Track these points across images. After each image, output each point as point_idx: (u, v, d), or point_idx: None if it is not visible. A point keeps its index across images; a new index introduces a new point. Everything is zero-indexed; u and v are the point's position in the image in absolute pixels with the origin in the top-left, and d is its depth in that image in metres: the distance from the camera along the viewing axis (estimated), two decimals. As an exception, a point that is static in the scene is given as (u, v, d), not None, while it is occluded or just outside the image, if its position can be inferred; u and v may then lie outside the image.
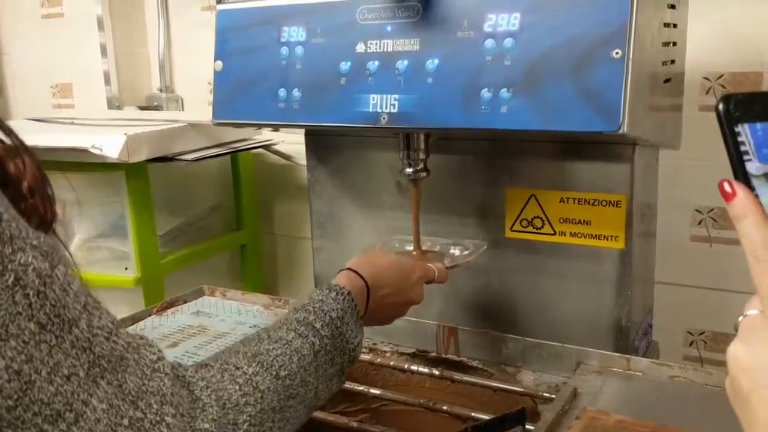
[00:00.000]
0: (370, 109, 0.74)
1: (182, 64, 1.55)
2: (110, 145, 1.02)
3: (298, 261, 1.49)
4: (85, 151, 1.04)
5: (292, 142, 1.35)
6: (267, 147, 1.32)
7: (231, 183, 1.40)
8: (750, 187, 0.36)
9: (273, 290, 1.50)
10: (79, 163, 1.11)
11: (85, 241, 1.25)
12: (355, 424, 0.70)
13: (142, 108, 1.53)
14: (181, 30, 1.53)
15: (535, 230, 0.85)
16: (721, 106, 0.36)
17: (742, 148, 0.36)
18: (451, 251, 0.84)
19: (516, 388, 0.77)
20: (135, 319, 0.97)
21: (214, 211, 1.39)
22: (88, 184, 1.20)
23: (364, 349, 0.91)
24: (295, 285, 1.49)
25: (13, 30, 1.73)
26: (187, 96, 1.55)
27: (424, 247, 0.84)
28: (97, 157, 1.05)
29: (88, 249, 1.24)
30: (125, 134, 1.03)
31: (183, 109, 1.54)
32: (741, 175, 0.36)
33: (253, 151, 1.35)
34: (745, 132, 0.36)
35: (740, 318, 0.37)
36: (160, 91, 1.53)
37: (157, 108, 1.51)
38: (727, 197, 0.36)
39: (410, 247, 0.85)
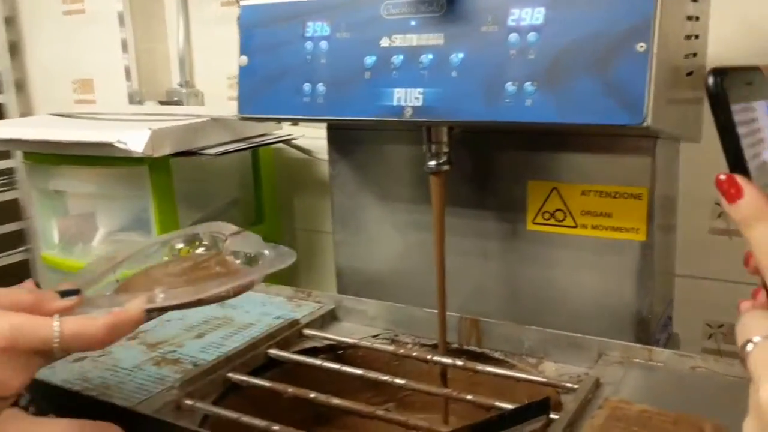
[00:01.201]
0: (395, 103, 0.75)
1: (202, 59, 1.56)
2: (135, 140, 1.04)
3: (318, 254, 1.50)
4: (109, 145, 1.06)
5: (311, 137, 1.36)
6: (287, 141, 1.33)
7: (251, 177, 1.41)
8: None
9: (293, 282, 1.51)
10: (103, 157, 1.13)
11: (109, 234, 1.27)
12: (381, 413, 0.71)
13: (162, 103, 1.55)
14: (200, 25, 1.54)
15: (556, 223, 0.86)
16: (712, 81, 0.30)
17: (748, 131, 0.29)
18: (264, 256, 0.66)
19: (538, 378, 0.78)
20: (160, 310, 0.98)
21: (235, 205, 1.41)
22: (111, 178, 1.21)
23: (385, 340, 0.93)
24: (315, 277, 1.50)
25: (34, 26, 1.75)
26: (207, 91, 1.56)
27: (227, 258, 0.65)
28: (121, 151, 1.07)
29: (112, 242, 1.26)
30: (150, 129, 1.05)
31: (203, 104, 1.56)
32: (740, 166, 0.30)
33: (273, 145, 1.36)
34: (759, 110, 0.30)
35: (748, 346, 0.30)
36: (180, 86, 1.55)
37: (177, 103, 1.53)
38: (731, 197, 0.29)
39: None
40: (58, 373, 0.81)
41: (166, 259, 0.68)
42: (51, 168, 1.26)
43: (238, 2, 0.86)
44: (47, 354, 0.51)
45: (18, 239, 1.78)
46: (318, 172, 1.44)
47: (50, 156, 1.22)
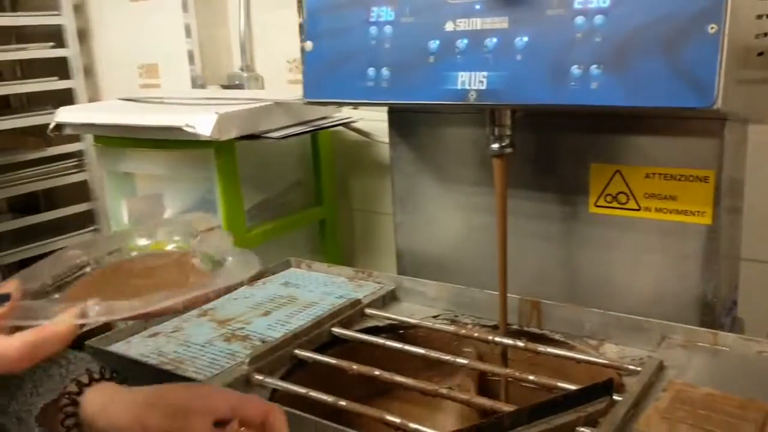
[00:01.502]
0: (459, 87, 0.76)
1: (262, 43, 1.59)
2: (203, 124, 1.07)
3: (375, 235, 1.52)
4: (178, 129, 1.10)
5: (370, 119, 1.38)
6: (347, 125, 1.35)
7: (311, 160, 1.44)
8: None
9: (351, 263, 1.54)
10: (171, 140, 1.17)
11: (176, 214, 1.32)
12: (444, 391, 0.73)
13: (224, 87, 1.58)
14: (260, 10, 1.57)
15: (619, 205, 0.86)
16: None
17: None
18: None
19: (600, 360, 0.78)
20: (228, 289, 1.02)
21: (295, 187, 1.44)
22: (178, 160, 1.25)
23: (445, 321, 0.94)
24: (373, 258, 1.52)
25: (101, 14, 1.81)
26: (266, 74, 1.59)
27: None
28: (188, 134, 1.10)
29: (179, 222, 1.30)
30: (216, 113, 1.08)
31: (263, 88, 1.58)
32: None
33: (332, 128, 1.38)
34: None
35: None
36: (241, 70, 1.58)
37: (238, 87, 1.56)
38: None
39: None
40: (134, 347, 0.85)
41: (134, 254, 0.64)
42: (121, 151, 1.31)
43: None
44: None
45: (87, 219, 1.85)
46: (376, 154, 1.46)
47: (120, 139, 1.27)
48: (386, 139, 1.07)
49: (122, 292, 0.54)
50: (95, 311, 0.50)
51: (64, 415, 0.58)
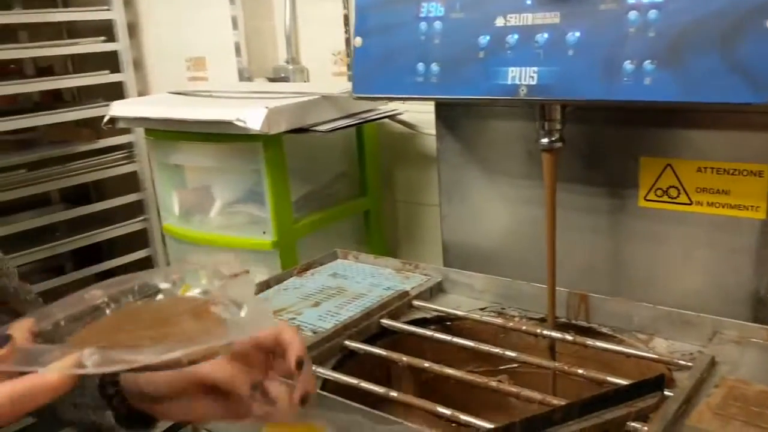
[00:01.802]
0: (509, 82, 0.76)
1: (307, 35, 1.60)
2: (253, 118, 1.09)
3: (419, 226, 1.53)
4: (228, 123, 1.12)
5: (415, 111, 1.38)
6: (392, 117, 1.36)
7: (356, 151, 1.45)
8: None
9: (395, 253, 1.55)
10: (220, 134, 1.19)
11: (225, 206, 1.34)
12: (494, 384, 0.74)
13: (270, 80, 1.60)
14: (305, 2, 1.58)
15: (670, 199, 0.85)
16: None
17: None
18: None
19: (650, 355, 0.78)
20: (278, 279, 1.04)
21: (340, 179, 1.45)
22: (227, 153, 1.28)
23: (493, 314, 0.95)
24: (417, 249, 1.53)
25: (150, 8, 1.84)
26: (311, 67, 1.60)
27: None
28: (238, 128, 1.12)
29: (228, 214, 1.33)
30: (266, 107, 1.10)
31: (308, 80, 1.60)
32: None
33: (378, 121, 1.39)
34: None
35: None
36: (287, 62, 1.60)
37: (284, 79, 1.58)
38: None
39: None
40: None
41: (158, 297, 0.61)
42: (171, 143, 1.34)
43: None
44: None
45: (137, 209, 1.90)
46: (420, 146, 1.47)
47: (171, 132, 1.30)
48: (431, 131, 1.07)
49: (132, 340, 0.51)
50: (92, 361, 0.46)
51: (103, 385, 0.61)
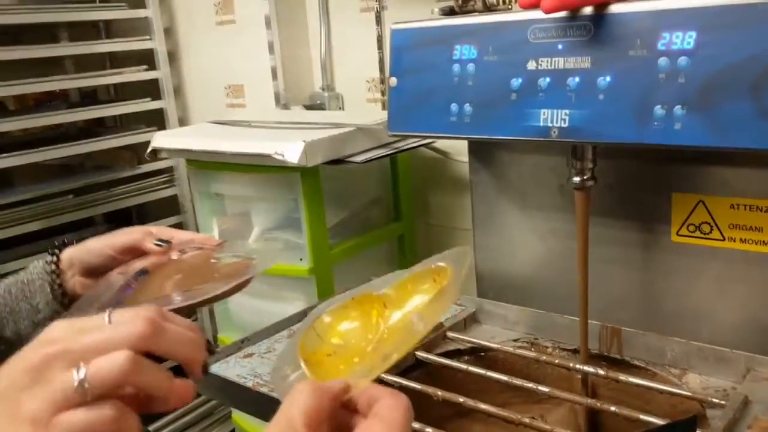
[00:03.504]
0: (541, 124, 0.78)
1: (342, 63, 1.64)
2: (291, 152, 1.13)
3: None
4: (267, 156, 1.16)
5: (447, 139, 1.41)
6: (425, 145, 1.39)
7: (389, 177, 1.48)
8: None
9: (429, 278, 1.57)
10: (259, 165, 1.23)
11: (263, 232, 1.38)
12: (527, 420, 0.75)
13: (306, 107, 1.64)
14: (340, 31, 1.62)
15: (702, 235, 0.86)
16: None
17: None
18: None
19: (683, 392, 0.79)
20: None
21: (375, 204, 1.48)
22: (266, 182, 1.32)
23: (525, 344, 0.96)
24: (450, 274, 1.55)
25: (189, 37, 1.90)
26: (346, 94, 1.64)
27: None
28: (277, 161, 1.16)
29: (265, 240, 1.37)
30: (303, 141, 1.13)
31: (343, 107, 1.64)
32: None
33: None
34: None
35: None
36: (322, 89, 1.64)
37: (320, 107, 1.62)
38: None
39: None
40: (232, 368, 0.91)
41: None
42: (212, 173, 1.38)
43: (377, 10, 0.89)
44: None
45: (177, 232, 1.95)
46: (452, 170, 1.49)
47: (212, 163, 1.34)
48: (462, 158, 1.09)
49: (186, 285, 0.64)
50: (179, 298, 0.60)
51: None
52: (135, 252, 0.75)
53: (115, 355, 0.41)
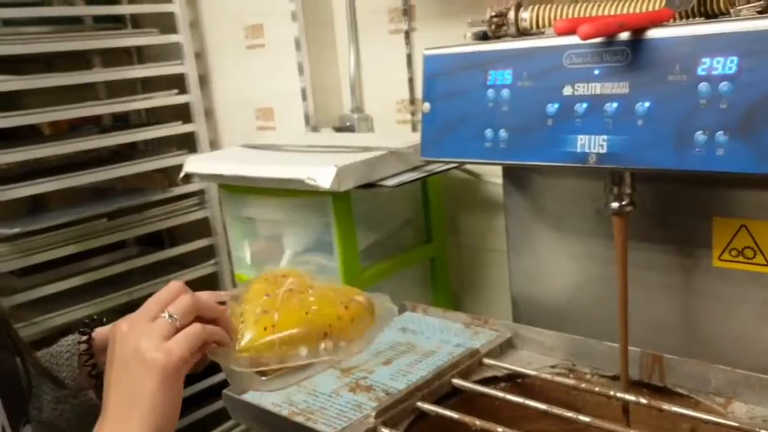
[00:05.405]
0: (578, 150, 0.77)
1: (371, 84, 1.64)
2: (323, 177, 1.13)
3: (486, 271, 1.54)
4: (299, 181, 1.16)
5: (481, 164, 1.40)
6: (458, 167, 1.38)
7: (420, 199, 1.47)
8: None
9: (462, 299, 1.56)
10: (291, 189, 1.23)
11: (295, 255, 1.38)
12: (569, 452, 0.74)
13: (336, 129, 1.64)
14: (369, 53, 1.62)
15: (745, 260, 0.84)
16: None
17: None
18: None
19: (729, 422, 0.77)
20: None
21: (406, 226, 1.48)
22: (297, 206, 1.32)
23: (563, 370, 0.95)
24: (485, 294, 1.54)
25: (219, 61, 1.92)
26: (376, 115, 1.64)
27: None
28: (309, 185, 1.16)
29: (297, 263, 1.37)
30: (335, 165, 1.13)
31: (372, 128, 1.64)
32: None
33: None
34: None
35: None
36: (352, 111, 1.64)
37: (350, 128, 1.62)
38: None
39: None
40: (266, 397, 0.91)
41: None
42: (244, 197, 1.39)
43: (407, 31, 0.88)
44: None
45: (208, 253, 1.96)
46: (484, 191, 1.48)
47: (243, 187, 1.35)
48: (495, 179, 1.08)
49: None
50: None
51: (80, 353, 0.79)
52: None
53: (183, 296, 0.64)
